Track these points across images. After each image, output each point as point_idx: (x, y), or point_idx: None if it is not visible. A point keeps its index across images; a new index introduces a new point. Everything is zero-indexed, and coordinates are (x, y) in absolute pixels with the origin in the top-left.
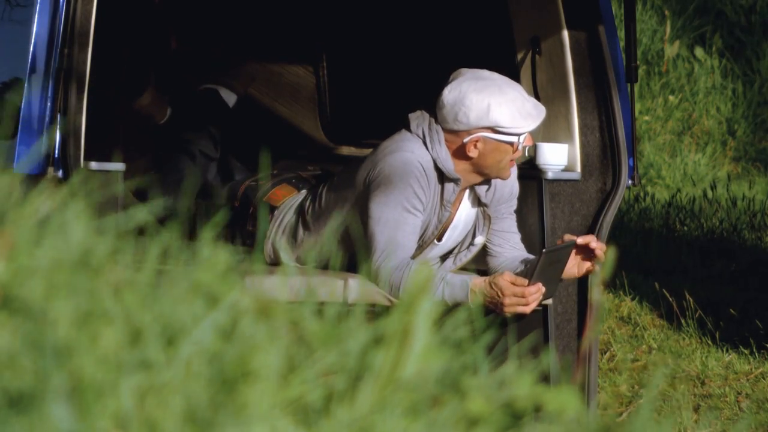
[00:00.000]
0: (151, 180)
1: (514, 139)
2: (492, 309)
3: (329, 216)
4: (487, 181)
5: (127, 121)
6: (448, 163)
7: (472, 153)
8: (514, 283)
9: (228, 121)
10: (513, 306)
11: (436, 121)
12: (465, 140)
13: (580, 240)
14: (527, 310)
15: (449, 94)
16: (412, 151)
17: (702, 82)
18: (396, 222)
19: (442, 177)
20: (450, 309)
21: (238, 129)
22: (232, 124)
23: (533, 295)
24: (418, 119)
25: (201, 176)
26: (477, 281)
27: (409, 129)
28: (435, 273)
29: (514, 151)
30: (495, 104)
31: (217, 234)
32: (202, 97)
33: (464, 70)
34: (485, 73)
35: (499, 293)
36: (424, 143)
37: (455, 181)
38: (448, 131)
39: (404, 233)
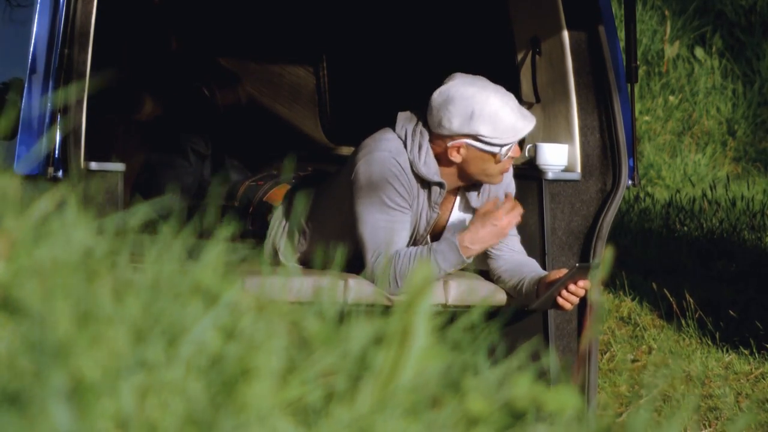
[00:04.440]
0: (147, 179)
1: (496, 149)
2: (494, 238)
3: (323, 217)
4: (476, 186)
5: (125, 122)
6: (428, 168)
7: (455, 158)
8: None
9: (217, 119)
10: (509, 222)
11: (425, 124)
12: (448, 145)
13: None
14: (519, 213)
15: (438, 97)
16: (389, 151)
17: (702, 82)
18: (384, 221)
19: (424, 179)
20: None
21: (232, 128)
22: (224, 123)
23: (508, 207)
24: (404, 120)
25: (195, 175)
26: (463, 237)
27: (393, 127)
28: (422, 251)
29: (497, 162)
30: (478, 113)
31: (226, 234)
32: (191, 94)
33: (458, 75)
34: (478, 80)
35: (494, 224)
36: (405, 145)
37: (438, 184)
38: (434, 134)
39: (393, 231)
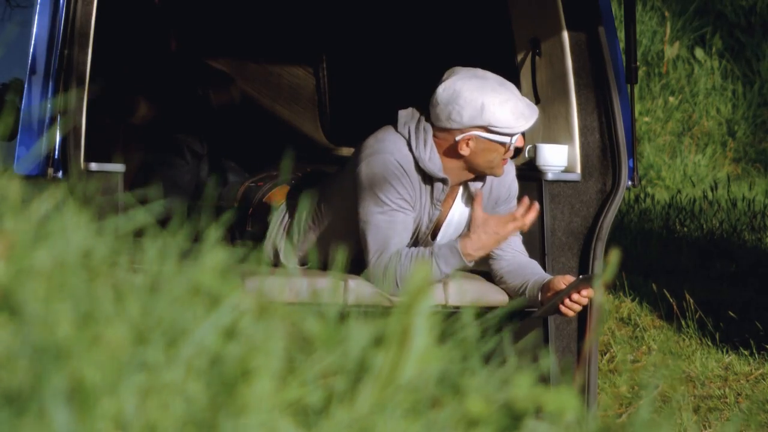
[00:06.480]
0: (144, 178)
1: (506, 139)
2: (496, 244)
3: (323, 218)
4: (480, 178)
5: (125, 123)
6: (434, 164)
7: (464, 151)
8: (492, 219)
9: (213, 119)
10: (513, 230)
11: (428, 119)
12: (457, 138)
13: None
14: (529, 219)
15: (443, 92)
16: (392, 152)
17: (702, 83)
18: (385, 222)
19: (428, 176)
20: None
21: (231, 129)
22: (223, 124)
23: (523, 212)
24: (406, 117)
25: (192, 174)
26: (465, 244)
27: (396, 126)
28: (424, 254)
29: (506, 151)
30: (489, 104)
31: (217, 235)
32: (187, 94)
33: (459, 69)
34: (480, 71)
35: (496, 232)
36: (408, 143)
37: (442, 180)
38: (440, 129)
39: (395, 231)
